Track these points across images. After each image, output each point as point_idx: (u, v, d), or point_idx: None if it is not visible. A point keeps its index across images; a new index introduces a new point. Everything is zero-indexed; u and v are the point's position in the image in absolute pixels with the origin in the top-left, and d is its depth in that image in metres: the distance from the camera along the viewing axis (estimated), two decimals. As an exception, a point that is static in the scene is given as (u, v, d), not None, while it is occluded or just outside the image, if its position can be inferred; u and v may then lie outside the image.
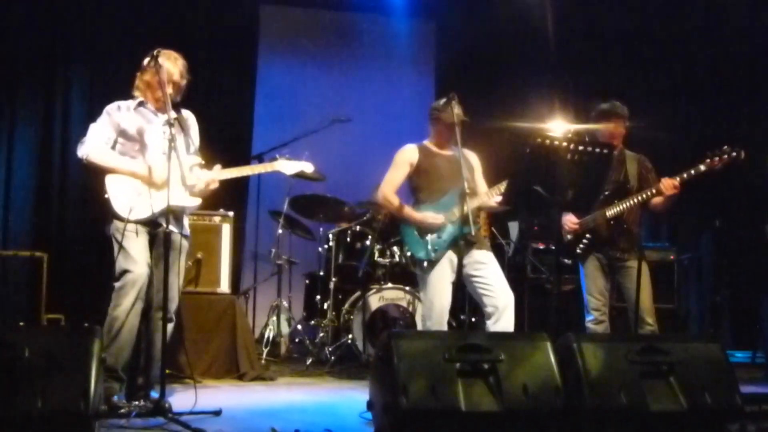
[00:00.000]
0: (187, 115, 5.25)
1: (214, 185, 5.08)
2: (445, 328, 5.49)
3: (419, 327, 6.89)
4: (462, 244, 5.27)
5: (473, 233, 5.22)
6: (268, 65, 9.92)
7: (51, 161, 8.43)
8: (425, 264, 5.47)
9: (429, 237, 5.47)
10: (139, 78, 5.09)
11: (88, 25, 8.67)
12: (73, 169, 8.28)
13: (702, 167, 5.45)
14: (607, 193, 5.76)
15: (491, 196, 5.45)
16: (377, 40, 10.14)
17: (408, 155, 5.68)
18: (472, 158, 5.77)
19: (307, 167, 5.62)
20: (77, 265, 8.03)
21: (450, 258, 5.44)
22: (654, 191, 5.61)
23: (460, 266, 5.32)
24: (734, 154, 5.40)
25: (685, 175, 5.50)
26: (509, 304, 5.34)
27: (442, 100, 5.59)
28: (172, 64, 4.99)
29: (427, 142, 5.77)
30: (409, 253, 6.49)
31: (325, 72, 10.04)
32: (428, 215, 5.50)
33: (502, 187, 5.36)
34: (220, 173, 5.10)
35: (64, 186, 8.41)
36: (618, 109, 5.93)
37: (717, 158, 5.42)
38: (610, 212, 5.75)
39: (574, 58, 9.54)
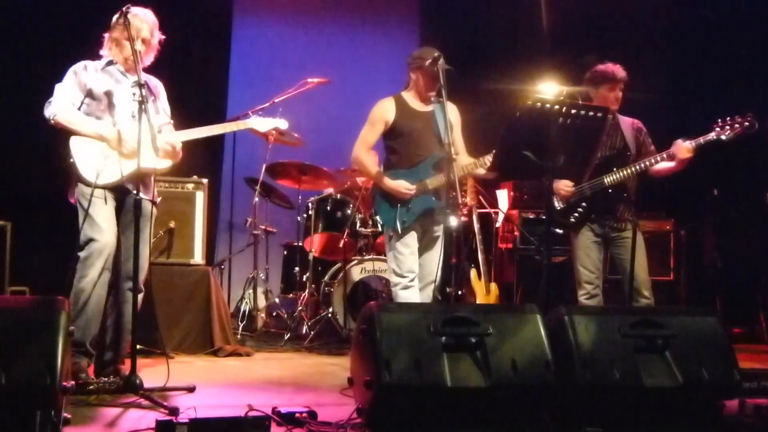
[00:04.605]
0: (156, 83, 5.22)
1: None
2: (417, 295, 5.47)
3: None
4: (438, 215, 5.31)
5: (445, 207, 5.27)
6: (243, 25, 9.85)
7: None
8: (391, 233, 5.49)
9: (399, 207, 5.46)
10: (108, 36, 5.06)
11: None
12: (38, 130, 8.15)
13: (712, 135, 5.45)
14: (604, 159, 5.76)
15: (476, 168, 5.44)
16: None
17: (383, 112, 5.58)
18: (453, 113, 5.63)
19: (282, 124, 5.67)
20: (43, 234, 7.94)
21: (416, 229, 5.47)
22: (666, 155, 5.59)
23: (446, 238, 5.33)
24: (747, 123, 5.39)
25: (702, 140, 5.50)
26: (430, 284, 5.53)
27: (428, 53, 5.45)
28: (141, 21, 4.96)
29: (405, 94, 5.65)
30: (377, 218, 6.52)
31: (304, 31, 10.00)
32: (401, 185, 5.44)
33: (489, 158, 5.32)
34: (189, 132, 5.08)
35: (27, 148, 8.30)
36: (617, 73, 5.86)
37: (728, 127, 5.42)
38: (609, 179, 5.74)
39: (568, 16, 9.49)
